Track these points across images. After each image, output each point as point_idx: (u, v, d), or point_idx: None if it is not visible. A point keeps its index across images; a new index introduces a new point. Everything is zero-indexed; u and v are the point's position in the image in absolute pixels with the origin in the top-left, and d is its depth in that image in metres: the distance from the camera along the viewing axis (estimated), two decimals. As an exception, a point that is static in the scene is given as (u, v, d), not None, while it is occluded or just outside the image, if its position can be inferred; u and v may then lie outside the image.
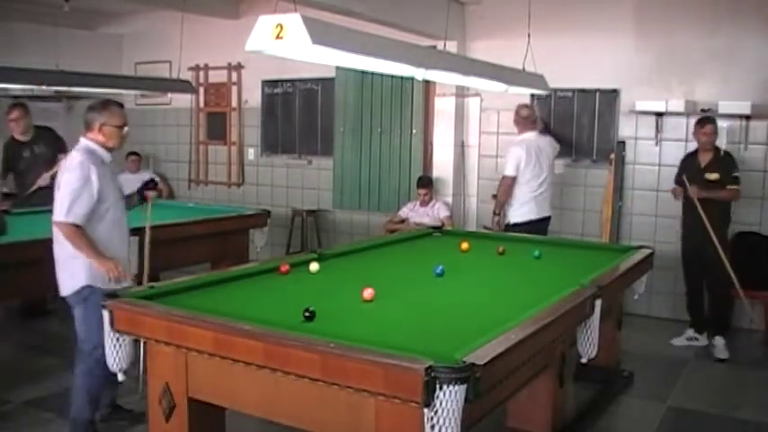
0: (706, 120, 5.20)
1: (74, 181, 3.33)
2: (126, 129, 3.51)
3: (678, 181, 5.33)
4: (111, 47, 8.79)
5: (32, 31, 7.50)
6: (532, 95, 6.30)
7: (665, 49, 5.88)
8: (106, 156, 3.49)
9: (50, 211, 3.45)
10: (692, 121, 5.78)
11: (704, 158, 5.17)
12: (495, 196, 6.41)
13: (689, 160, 5.31)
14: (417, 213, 6.41)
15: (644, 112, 5.93)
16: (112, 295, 2.91)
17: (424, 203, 6.42)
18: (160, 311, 2.75)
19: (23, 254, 4.07)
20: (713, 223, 5.00)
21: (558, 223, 6.14)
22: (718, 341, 5.16)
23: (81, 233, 3.31)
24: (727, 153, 5.19)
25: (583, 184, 6.28)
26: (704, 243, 5.07)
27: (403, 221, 6.45)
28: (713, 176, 5.06)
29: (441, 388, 2.05)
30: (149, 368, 2.89)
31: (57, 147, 5.79)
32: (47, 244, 3.57)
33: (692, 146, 5.77)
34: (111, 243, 3.45)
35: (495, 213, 5.74)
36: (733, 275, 5.02)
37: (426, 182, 6.48)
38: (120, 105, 3.59)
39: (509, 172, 5.64)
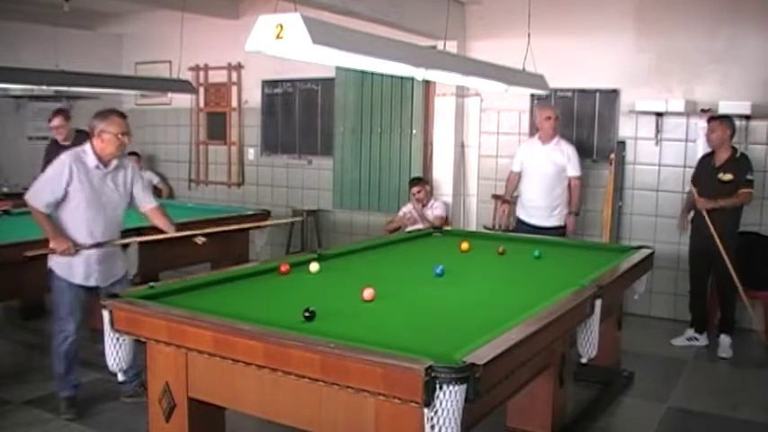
0: (710, 118, 5.21)
1: (48, 172, 3.73)
2: (125, 137, 3.77)
3: (693, 181, 5.34)
4: (111, 47, 8.80)
5: (32, 31, 7.50)
6: (532, 95, 6.31)
7: (665, 49, 5.88)
8: (92, 161, 3.75)
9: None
10: (692, 121, 5.81)
11: (719, 158, 5.14)
12: (494, 196, 6.44)
13: (705, 160, 5.30)
14: (418, 215, 6.30)
15: (644, 112, 5.93)
16: (113, 295, 2.91)
17: (421, 203, 6.25)
18: (160, 311, 2.75)
19: (23, 253, 4.07)
20: (722, 226, 5.01)
21: (558, 223, 6.13)
22: (724, 340, 5.17)
23: (41, 214, 3.69)
24: (743, 154, 5.15)
25: (583, 184, 6.27)
26: (713, 241, 5.08)
27: (399, 229, 6.30)
28: (726, 177, 5.04)
29: (441, 388, 2.05)
30: (149, 368, 2.89)
31: None
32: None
33: (692, 146, 5.80)
34: (74, 235, 3.74)
35: (575, 214, 5.76)
36: (737, 281, 5.03)
37: (417, 179, 6.39)
38: (123, 115, 3.84)
39: (581, 171, 5.76)
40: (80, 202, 3.73)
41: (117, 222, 3.95)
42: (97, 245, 3.77)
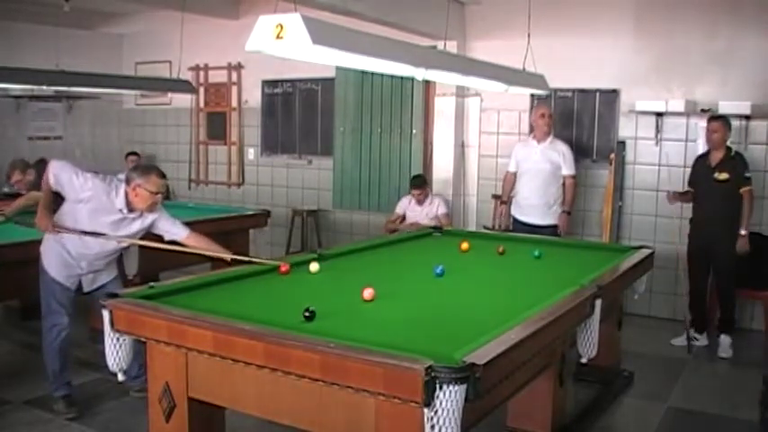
0: (711, 117, 5.22)
1: (80, 180, 3.66)
2: (159, 196, 3.72)
3: (690, 183, 5.36)
4: (111, 47, 8.80)
5: (32, 31, 7.51)
6: (532, 95, 6.31)
7: (664, 49, 5.88)
8: (119, 204, 3.70)
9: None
10: (692, 121, 5.81)
11: (715, 158, 5.16)
12: (495, 196, 6.44)
13: (700, 161, 5.31)
14: (414, 212, 6.29)
15: (644, 112, 5.93)
16: (113, 295, 2.91)
17: (420, 202, 6.27)
18: (160, 311, 2.75)
19: (23, 253, 4.08)
20: (725, 224, 5.03)
21: (558, 223, 6.13)
22: (724, 340, 5.17)
23: (48, 186, 3.72)
24: (738, 153, 5.17)
25: (583, 184, 6.27)
26: (712, 241, 5.09)
27: (403, 220, 6.35)
28: (723, 176, 5.06)
29: (441, 388, 2.05)
30: (149, 368, 2.89)
31: None
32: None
33: (692, 146, 5.80)
34: (68, 241, 3.77)
35: (568, 213, 5.80)
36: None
37: (420, 182, 6.29)
38: (162, 175, 3.80)
39: (576, 170, 5.80)
40: (82, 221, 3.70)
41: (113, 249, 3.88)
42: (84, 233, 3.71)
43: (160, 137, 8.85)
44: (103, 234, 3.74)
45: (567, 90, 6.29)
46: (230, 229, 5.69)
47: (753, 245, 5.37)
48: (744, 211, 5.00)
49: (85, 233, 3.70)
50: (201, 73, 8.31)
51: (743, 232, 5.00)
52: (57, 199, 3.83)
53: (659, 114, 5.91)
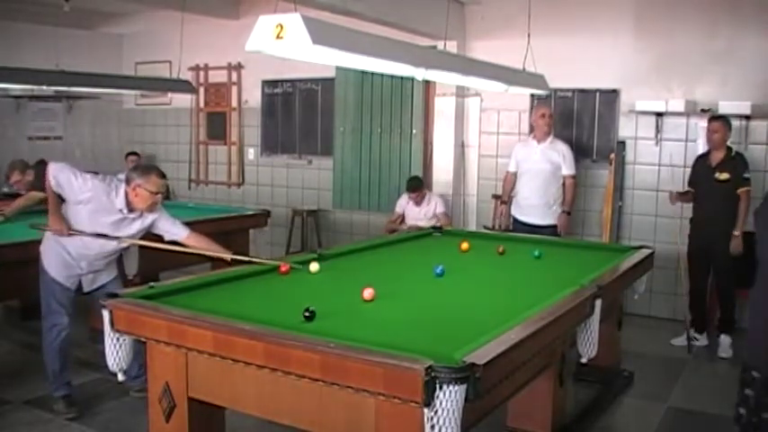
0: (712, 117, 5.23)
1: (79, 181, 3.66)
2: (159, 196, 3.72)
3: (691, 183, 5.36)
4: (111, 47, 8.80)
5: (32, 31, 7.51)
6: (532, 95, 6.31)
7: (665, 49, 5.88)
8: (119, 204, 3.69)
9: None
10: (693, 121, 5.81)
11: (715, 158, 5.16)
12: (495, 196, 6.44)
13: (700, 161, 5.32)
14: (413, 212, 6.30)
15: (644, 112, 5.93)
16: (113, 295, 2.91)
17: (418, 203, 6.27)
18: (160, 311, 2.75)
19: (23, 253, 4.08)
20: (725, 224, 5.03)
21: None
22: (724, 340, 5.17)
23: (51, 190, 3.71)
24: (738, 153, 5.18)
25: (583, 184, 6.27)
26: (712, 241, 5.09)
27: (403, 220, 6.36)
28: (723, 176, 5.06)
29: (441, 388, 2.05)
30: (149, 368, 2.89)
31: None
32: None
33: (692, 146, 5.80)
34: (68, 241, 3.77)
35: (568, 213, 5.78)
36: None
37: (416, 185, 6.25)
38: (162, 175, 3.80)
39: (576, 170, 5.79)
40: (82, 222, 3.71)
41: (113, 250, 3.88)
42: (97, 235, 3.73)
43: (160, 137, 8.85)
44: (116, 237, 3.74)
45: (567, 90, 6.29)
46: (230, 229, 5.69)
47: (750, 245, 5.38)
48: (740, 211, 5.01)
49: (98, 236, 3.71)
50: (201, 73, 8.31)
51: (736, 233, 5.01)
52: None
53: (659, 114, 5.91)
